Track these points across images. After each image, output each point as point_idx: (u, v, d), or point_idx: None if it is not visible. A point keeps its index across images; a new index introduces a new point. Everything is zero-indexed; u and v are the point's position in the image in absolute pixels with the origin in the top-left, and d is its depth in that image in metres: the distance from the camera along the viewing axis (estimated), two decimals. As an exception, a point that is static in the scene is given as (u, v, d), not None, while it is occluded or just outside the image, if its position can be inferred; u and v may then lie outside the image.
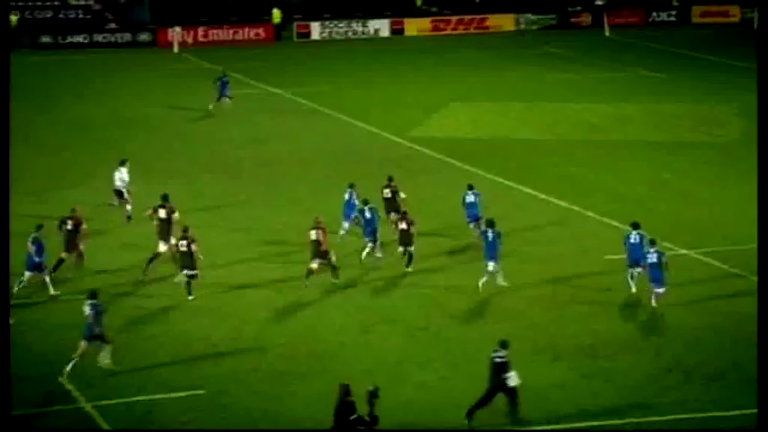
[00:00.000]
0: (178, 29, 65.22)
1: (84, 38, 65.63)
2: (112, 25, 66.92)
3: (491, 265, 26.44)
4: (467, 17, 73.42)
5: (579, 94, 50.34)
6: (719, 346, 23.54)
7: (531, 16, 74.55)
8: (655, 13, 76.15)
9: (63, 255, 26.95)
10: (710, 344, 23.68)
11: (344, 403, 18.34)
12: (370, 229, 28.41)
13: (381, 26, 71.26)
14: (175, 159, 39.10)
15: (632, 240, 26.55)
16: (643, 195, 34.27)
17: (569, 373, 22.10)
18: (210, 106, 45.35)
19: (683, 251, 29.04)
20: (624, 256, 26.67)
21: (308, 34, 69.71)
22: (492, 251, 26.49)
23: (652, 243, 25.91)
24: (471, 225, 30.01)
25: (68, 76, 55.56)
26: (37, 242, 25.79)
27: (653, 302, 25.48)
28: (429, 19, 73.41)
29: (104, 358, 22.23)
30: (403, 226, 27.84)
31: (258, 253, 28.78)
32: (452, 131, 43.41)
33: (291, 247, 29.35)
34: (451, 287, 26.96)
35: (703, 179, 36.20)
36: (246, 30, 68.46)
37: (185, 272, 25.83)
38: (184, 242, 25.85)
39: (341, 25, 70.62)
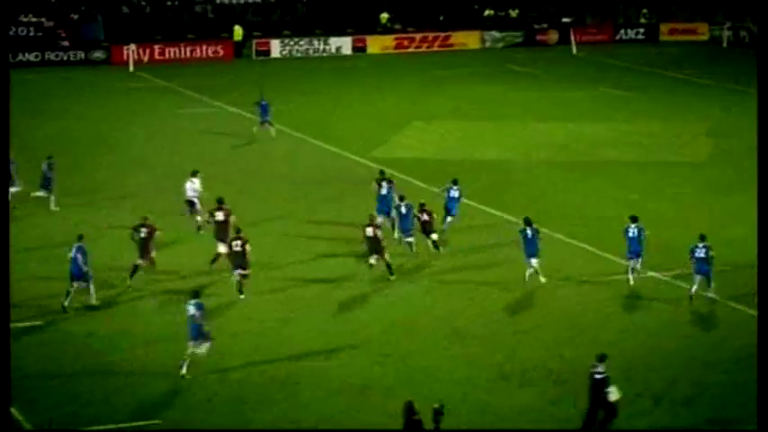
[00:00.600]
0: (133, 46, 65.11)
1: (36, 56, 65.34)
2: (65, 43, 66.69)
3: (534, 262, 28.51)
4: (431, 34, 73.80)
5: (546, 113, 50.65)
6: (689, 371, 23.72)
7: (496, 34, 75.05)
8: (623, 31, 76.91)
9: (138, 261, 28.45)
10: (680, 368, 23.86)
11: (412, 422, 18.77)
12: (407, 225, 30.60)
13: (343, 44, 71.48)
14: (129, 181, 38.98)
15: (630, 234, 28.83)
16: (611, 216, 34.44)
17: (537, 399, 22.22)
18: (255, 129, 44.63)
19: (651, 273, 29.29)
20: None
21: (267, 52, 69.80)
22: (532, 248, 28.52)
23: (702, 238, 27.82)
24: (447, 219, 32.57)
25: (19, 96, 55.25)
26: (81, 251, 26.84)
27: (711, 294, 27.42)
28: (392, 36, 73.70)
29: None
30: (425, 217, 30.40)
31: (217, 277, 28.74)
32: (416, 151, 43.57)
33: (251, 270, 29.36)
34: (415, 308, 27.08)
35: (672, 199, 36.51)
36: (204, 47, 68.44)
37: (239, 271, 27.49)
38: (238, 242, 27.64)
39: (302, 43, 70.79)
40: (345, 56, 70.35)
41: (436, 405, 18.83)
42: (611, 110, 50.79)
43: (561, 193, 37.72)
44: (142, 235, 28.46)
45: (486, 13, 79.85)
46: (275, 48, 70.12)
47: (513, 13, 79.47)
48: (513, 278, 28.84)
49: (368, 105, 52.77)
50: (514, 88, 57.03)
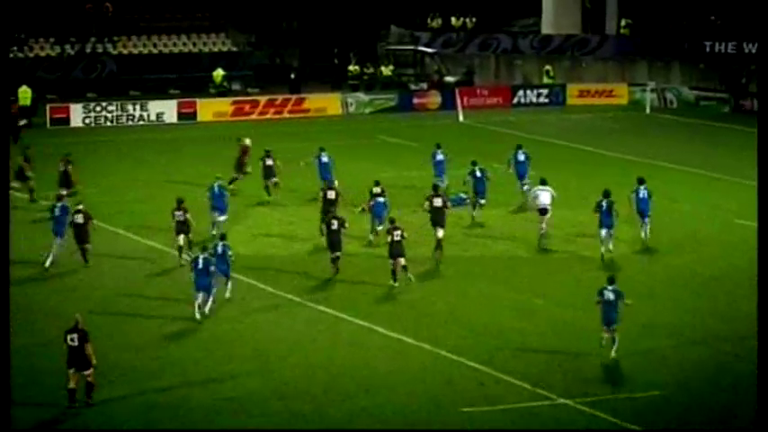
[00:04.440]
0: None
1: None
2: None
3: (603, 233, 41.19)
4: (279, 97, 74.75)
5: (425, 195, 51.40)
6: None
7: (362, 96, 76.29)
8: (521, 93, 78.96)
9: (335, 254, 39.71)
10: None
11: None
12: (482, 188, 47.04)
13: (166, 109, 71.87)
14: None
15: (641, 195, 42.87)
16: (508, 327, 35.34)
17: None
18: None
19: (562, 400, 30.05)
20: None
21: (66, 120, 69.67)
22: (607, 219, 41.16)
23: None
24: (520, 182, 49.50)
25: None
26: (210, 262, 35.69)
27: None
28: (229, 100, 74.44)
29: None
30: (269, 162, 46.20)
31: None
32: (261, 246, 43.86)
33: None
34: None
35: (584, 307, 37.33)
36: (-18, 114, 68.01)
37: (398, 260, 38.49)
38: (398, 232, 38.69)
39: (111, 108, 70.86)
40: (169, 124, 70.69)
41: None
42: (506, 192, 51.69)
43: (443, 296, 38.49)
44: (334, 227, 39.44)
45: (351, 69, 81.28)
46: (76, 114, 70.09)
47: (387, 71, 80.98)
48: (382, 404, 29.35)
49: (200, 188, 52.74)
50: (387, 165, 57.79)
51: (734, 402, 30.13)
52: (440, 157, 50.79)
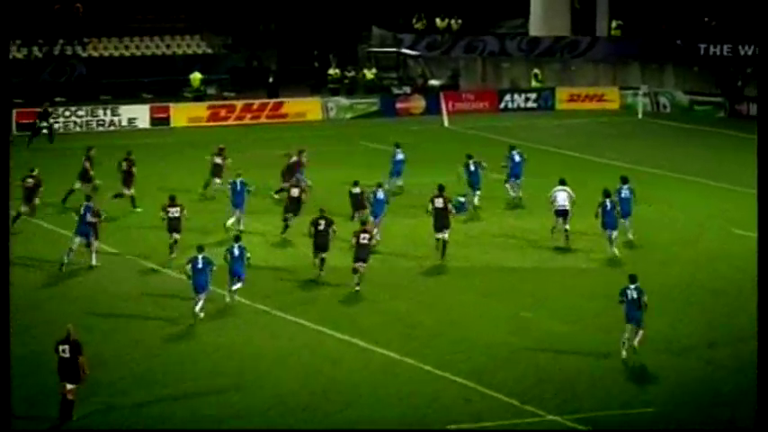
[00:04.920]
0: None
1: None
2: None
3: (614, 234, 42.74)
4: (256, 102, 74.74)
5: (410, 203, 51.47)
6: None
7: (343, 101, 76.40)
8: (508, 97, 79.12)
9: (321, 255, 40.57)
10: None
11: None
12: (476, 180, 49.41)
13: (138, 114, 71.86)
14: None
15: (623, 195, 44.06)
16: (499, 341, 35.35)
17: None
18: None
19: (552, 417, 30.09)
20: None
21: (33, 125, 69.40)
22: (610, 219, 42.59)
23: None
24: (510, 182, 50.75)
25: None
26: (209, 262, 36.80)
27: None
28: (205, 105, 74.38)
29: None
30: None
31: None
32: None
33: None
34: None
35: (576, 319, 37.49)
36: (-55, 120, 67.90)
37: (359, 264, 39.16)
38: (366, 235, 39.34)
39: (81, 113, 70.86)
40: (141, 130, 70.61)
41: None
42: (496, 200, 51.87)
43: (428, 311, 38.52)
44: (320, 228, 39.98)
45: (331, 72, 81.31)
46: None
47: (369, 74, 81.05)
48: (363, 418, 29.35)
49: (183, 194, 52.62)
50: (370, 172, 57.77)
51: (731, 418, 30.18)
52: (399, 156, 53.10)
